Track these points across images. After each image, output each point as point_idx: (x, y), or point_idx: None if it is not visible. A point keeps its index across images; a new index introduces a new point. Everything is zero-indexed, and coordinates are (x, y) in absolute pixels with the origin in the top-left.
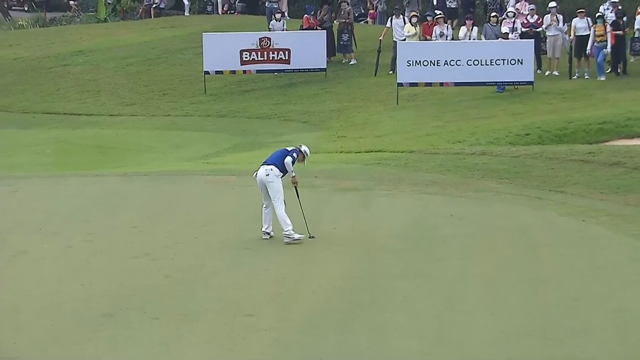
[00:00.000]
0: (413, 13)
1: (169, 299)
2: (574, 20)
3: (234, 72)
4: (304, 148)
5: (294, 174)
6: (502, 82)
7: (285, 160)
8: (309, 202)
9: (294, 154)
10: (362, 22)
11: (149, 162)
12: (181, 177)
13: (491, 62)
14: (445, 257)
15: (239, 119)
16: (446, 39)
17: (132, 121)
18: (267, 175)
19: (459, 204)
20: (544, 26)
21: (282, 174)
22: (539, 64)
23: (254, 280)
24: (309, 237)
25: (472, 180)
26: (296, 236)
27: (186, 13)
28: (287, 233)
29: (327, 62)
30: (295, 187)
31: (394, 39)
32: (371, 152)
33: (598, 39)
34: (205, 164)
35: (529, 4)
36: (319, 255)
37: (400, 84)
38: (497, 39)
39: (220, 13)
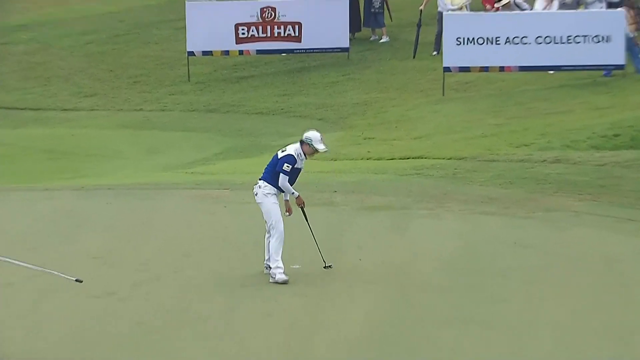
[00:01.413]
0: None
1: (141, 353)
2: None
3: (227, 53)
4: (307, 135)
5: (296, 194)
6: (582, 65)
7: (280, 180)
8: (325, 225)
9: (285, 164)
10: None
11: (114, 172)
12: (157, 191)
13: (568, 39)
14: (506, 298)
15: (233, 115)
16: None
17: (92, 118)
18: (256, 194)
19: (524, 228)
20: None
21: (276, 191)
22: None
23: (253, 328)
24: (325, 267)
25: (543, 196)
26: (283, 277)
27: None
28: (273, 270)
29: (350, 39)
30: (302, 209)
31: (439, 10)
32: (408, 158)
33: None
34: (189, 175)
35: None
36: (339, 295)
37: (447, 69)
38: (577, 8)
39: None
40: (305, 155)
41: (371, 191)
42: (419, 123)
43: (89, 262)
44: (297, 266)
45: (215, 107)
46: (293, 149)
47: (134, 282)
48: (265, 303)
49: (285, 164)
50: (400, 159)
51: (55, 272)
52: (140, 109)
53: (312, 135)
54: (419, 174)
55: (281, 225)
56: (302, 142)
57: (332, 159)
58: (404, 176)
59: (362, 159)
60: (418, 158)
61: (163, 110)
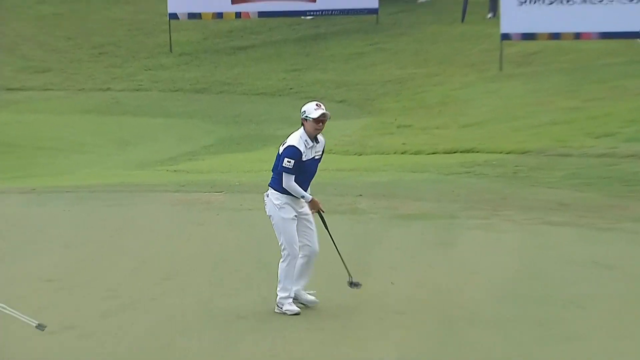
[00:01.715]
0: None
1: None
2: None
3: (220, 15)
4: (302, 109)
5: (308, 198)
6: None
7: (283, 182)
8: (348, 239)
9: (286, 159)
10: None
11: (75, 170)
12: (130, 195)
13: None
14: (583, 334)
15: (228, 97)
16: None
17: (45, 100)
18: (265, 205)
19: (606, 244)
20: None
21: (288, 199)
22: None
23: None
24: (350, 284)
25: (630, 201)
26: (290, 308)
27: None
28: (279, 299)
29: None
30: (320, 215)
31: None
32: (454, 153)
33: None
34: (171, 173)
35: None
36: (365, 330)
37: (505, 36)
38: None
39: None
40: (311, 138)
41: (407, 195)
42: (469, 106)
43: (42, 287)
44: (312, 292)
45: (204, 86)
46: (295, 137)
47: (100, 312)
48: (270, 339)
49: (286, 160)
50: (444, 153)
51: (14, 313)
52: (108, 89)
53: (306, 107)
54: (469, 172)
55: (295, 248)
56: (303, 123)
57: (356, 154)
58: (450, 175)
59: (394, 153)
60: (468, 152)
61: (137, 90)
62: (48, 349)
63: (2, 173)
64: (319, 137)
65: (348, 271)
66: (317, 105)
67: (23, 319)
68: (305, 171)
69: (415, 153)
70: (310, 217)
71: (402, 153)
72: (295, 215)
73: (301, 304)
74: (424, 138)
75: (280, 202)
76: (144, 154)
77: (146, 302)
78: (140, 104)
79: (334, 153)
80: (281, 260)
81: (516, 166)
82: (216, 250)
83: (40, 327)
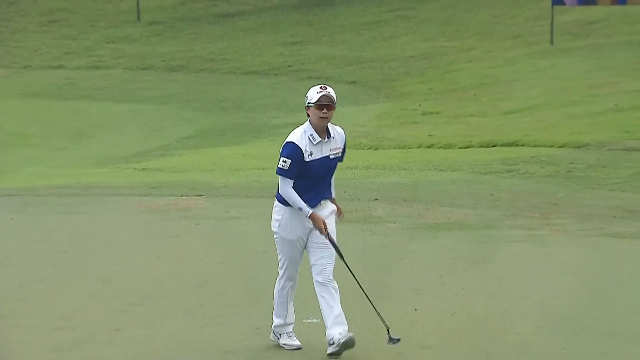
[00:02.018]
0: None
1: None
2: None
3: None
4: (307, 93)
5: (306, 211)
6: None
7: (279, 188)
8: (360, 254)
9: (282, 159)
10: None
11: (19, 169)
12: (88, 199)
13: None
14: None
15: (210, 77)
16: None
17: None
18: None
19: None
20: None
21: (287, 211)
22: None
23: None
24: (390, 341)
25: None
26: (288, 342)
27: None
28: (274, 327)
29: None
30: (330, 239)
31: None
32: (494, 146)
33: None
34: (138, 172)
35: None
36: None
37: (558, 1)
38: None
39: None
40: (319, 132)
41: (434, 199)
42: (513, 89)
43: None
44: (314, 320)
45: (181, 64)
46: (298, 131)
47: (49, 347)
48: None
49: (282, 160)
50: (481, 147)
51: None
52: (60, 66)
53: (309, 92)
54: (512, 171)
55: (294, 272)
56: (307, 113)
57: (371, 147)
58: (487, 175)
59: (419, 147)
60: (510, 146)
61: (97, 68)
62: None
63: None
64: (334, 129)
65: (384, 323)
66: (320, 88)
67: None
68: (312, 175)
69: (445, 147)
70: (326, 240)
71: (428, 147)
72: (302, 238)
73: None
74: (456, 128)
75: (281, 217)
76: (104, 149)
77: (107, 334)
78: (100, 86)
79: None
80: (277, 277)
81: (571, 163)
82: (195, 270)
83: None
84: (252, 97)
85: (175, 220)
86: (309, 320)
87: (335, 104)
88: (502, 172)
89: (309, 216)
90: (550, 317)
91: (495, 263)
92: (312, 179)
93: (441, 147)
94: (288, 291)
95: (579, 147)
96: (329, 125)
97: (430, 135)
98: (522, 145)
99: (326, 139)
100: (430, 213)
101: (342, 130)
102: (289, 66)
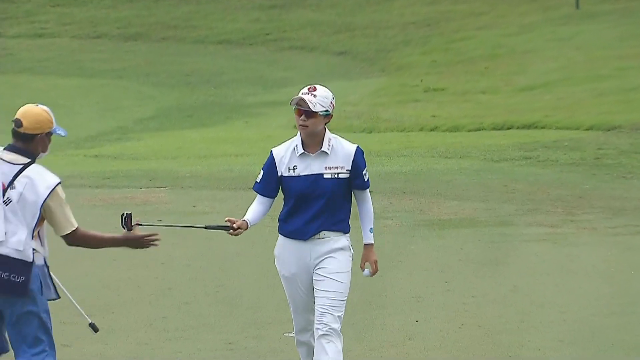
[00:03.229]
0: None
1: None
2: None
3: None
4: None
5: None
6: None
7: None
8: (354, 255)
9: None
10: None
11: None
12: None
13: None
14: None
15: (174, 47)
16: None
17: None
18: None
19: None
20: None
21: (281, 240)
22: None
23: None
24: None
25: None
26: None
27: None
28: None
29: None
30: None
31: None
32: (508, 129)
33: None
34: (90, 160)
35: None
36: None
37: None
38: None
39: None
40: (307, 144)
41: (438, 192)
42: (531, 61)
43: None
44: (291, 334)
45: (139, 31)
46: (288, 141)
47: None
48: None
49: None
50: (493, 129)
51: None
52: None
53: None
54: (530, 158)
55: (299, 318)
56: None
57: (364, 130)
58: (501, 163)
59: (420, 129)
60: (528, 128)
61: (40, 37)
62: None
63: None
64: (339, 144)
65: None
66: (308, 89)
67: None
68: (295, 194)
69: (451, 130)
70: (329, 273)
71: (432, 130)
72: (300, 275)
73: None
74: (464, 108)
75: (277, 247)
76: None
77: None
78: (44, 57)
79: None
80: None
81: (600, 149)
82: (157, 275)
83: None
84: (224, 70)
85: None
86: (288, 335)
87: (318, 111)
88: (518, 160)
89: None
90: (574, 329)
91: (510, 266)
92: (297, 200)
93: (447, 130)
94: (305, 350)
95: (608, 130)
96: (332, 137)
97: (434, 116)
98: (542, 128)
99: (314, 154)
100: (433, 208)
101: (352, 147)
102: (267, 34)
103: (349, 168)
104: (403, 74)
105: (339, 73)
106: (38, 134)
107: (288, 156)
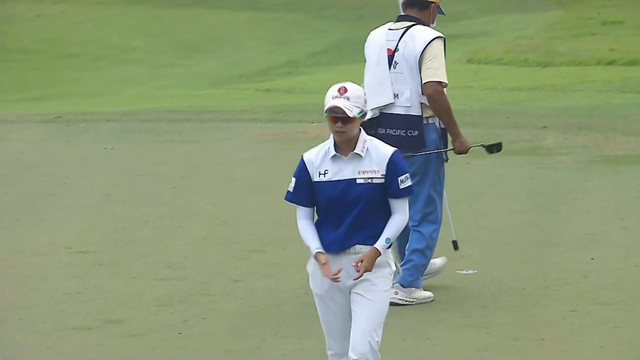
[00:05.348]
0: None
1: None
2: None
3: None
4: (326, 96)
5: (312, 249)
6: None
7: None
8: (523, 192)
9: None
10: None
11: (118, 89)
12: (201, 126)
13: None
14: None
15: None
16: None
17: None
18: None
19: None
20: None
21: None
22: None
23: None
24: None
25: None
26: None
27: None
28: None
29: None
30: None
31: None
32: None
33: None
34: (261, 94)
35: None
36: (553, 328)
37: None
38: None
39: None
40: (340, 147)
41: (615, 127)
42: None
43: (72, 261)
44: (471, 271)
45: None
46: (320, 145)
47: (156, 300)
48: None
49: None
50: None
51: None
52: None
53: (326, 95)
54: None
55: (332, 341)
56: None
57: (539, 65)
58: None
59: (597, 63)
60: None
61: None
62: (82, 348)
63: (15, 92)
64: (374, 146)
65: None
66: (338, 91)
67: None
68: (325, 202)
69: (629, 64)
70: (366, 292)
71: (609, 64)
72: (333, 295)
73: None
74: None
75: (310, 264)
76: (220, 66)
77: (224, 285)
78: None
79: (504, 64)
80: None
81: None
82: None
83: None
84: (396, 3)
85: (303, 151)
86: (462, 272)
87: (353, 115)
88: None
89: (315, 256)
90: None
91: None
92: (328, 208)
93: (624, 63)
94: None
95: None
96: (368, 139)
97: (612, 50)
98: None
99: (350, 156)
100: (609, 143)
101: (389, 150)
102: None
103: (384, 173)
104: (580, 7)
105: (514, 5)
106: (433, 3)
107: (319, 160)
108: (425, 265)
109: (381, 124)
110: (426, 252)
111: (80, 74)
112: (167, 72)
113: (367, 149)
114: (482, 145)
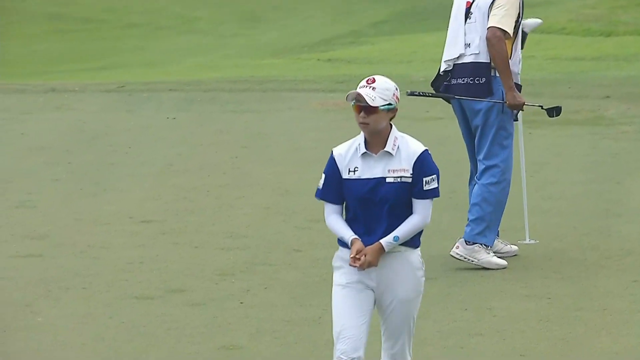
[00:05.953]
0: None
1: None
2: None
3: None
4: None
5: (347, 239)
6: None
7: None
8: (587, 163)
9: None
10: None
11: (181, 59)
12: (263, 95)
13: None
14: None
15: None
16: None
17: None
18: None
19: None
20: None
21: (340, 252)
22: None
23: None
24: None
25: None
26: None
27: None
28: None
29: None
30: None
31: None
32: None
33: None
34: (323, 64)
35: None
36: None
37: None
38: None
39: None
40: (370, 143)
41: None
42: None
43: (135, 230)
44: (533, 241)
45: None
46: (350, 140)
47: (217, 270)
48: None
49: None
50: None
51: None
52: None
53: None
54: None
55: (340, 344)
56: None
57: (602, 34)
58: None
59: None
60: None
61: None
62: (144, 317)
63: (78, 62)
64: (405, 143)
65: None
66: (366, 81)
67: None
68: (353, 200)
69: None
70: (396, 296)
71: None
72: (349, 283)
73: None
74: None
75: (336, 260)
76: (282, 36)
77: (285, 255)
78: None
79: (567, 33)
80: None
81: None
82: None
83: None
84: None
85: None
86: (524, 242)
87: (378, 106)
88: None
89: (351, 244)
90: None
91: None
92: (357, 206)
93: None
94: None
95: None
96: (399, 136)
97: None
98: None
99: (380, 154)
100: None
101: (419, 148)
102: None
103: (411, 171)
104: None
105: None
106: None
107: (349, 156)
108: (485, 219)
109: (453, 74)
110: (483, 206)
111: (143, 44)
112: (230, 42)
113: (398, 146)
114: (540, 106)
